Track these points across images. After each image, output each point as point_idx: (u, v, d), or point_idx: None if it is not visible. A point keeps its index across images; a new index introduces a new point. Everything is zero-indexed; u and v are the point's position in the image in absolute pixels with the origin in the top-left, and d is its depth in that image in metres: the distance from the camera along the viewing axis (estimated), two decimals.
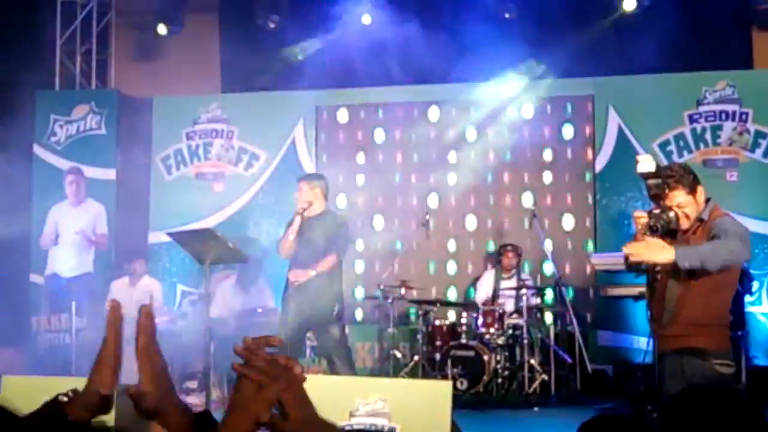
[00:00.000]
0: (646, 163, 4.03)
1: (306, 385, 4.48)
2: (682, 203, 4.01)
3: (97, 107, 10.02)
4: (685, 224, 4.03)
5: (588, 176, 9.61)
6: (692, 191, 4.02)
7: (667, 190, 3.99)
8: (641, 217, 4.06)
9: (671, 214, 3.97)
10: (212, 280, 7.91)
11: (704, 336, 3.91)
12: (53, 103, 10.22)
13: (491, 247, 9.71)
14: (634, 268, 4.24)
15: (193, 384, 8.04)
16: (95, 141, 9.96)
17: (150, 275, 9.09)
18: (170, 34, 10.15)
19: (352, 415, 4.36)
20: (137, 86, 10.37)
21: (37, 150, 10.05)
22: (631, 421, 2.09)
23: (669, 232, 4.03)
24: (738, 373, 7.16)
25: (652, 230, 3.95)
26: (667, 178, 4.01)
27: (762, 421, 2.06)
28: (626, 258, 4.21)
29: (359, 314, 9.80)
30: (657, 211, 3.99)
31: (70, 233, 9.41)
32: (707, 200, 4.09)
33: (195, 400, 7.52)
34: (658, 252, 3.83)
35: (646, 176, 4.03)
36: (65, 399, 1.67)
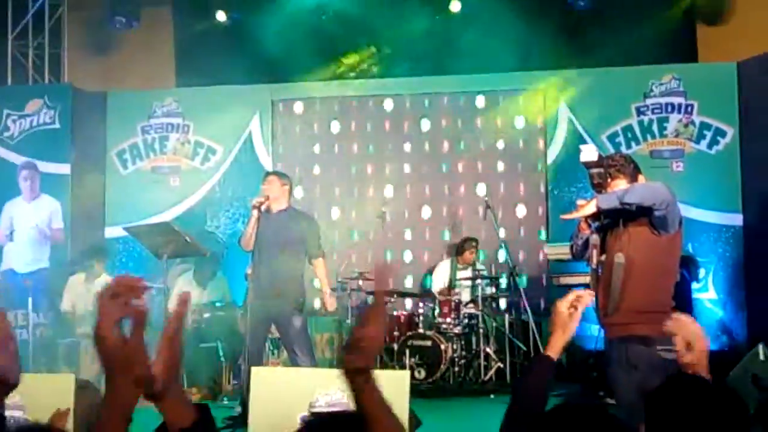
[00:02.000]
0: (588, 153, 4.16)
1: (268, 377, 4.56)
2: None
3: (51, 102, 9.93)
4: None
5: (540, 167, 9.81)
6: (633, 180, 4.16)
7: (609, 179, 4.12)
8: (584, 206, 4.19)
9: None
10: (170, 274, 7.95)
11: (647, 323, 4.04)
12: (6, 97, 10.10)
13: (446, 236, 9.87)
14: (579, 256, 4.38)
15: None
16: (49, 136, 9.88)
17: (107, 272, 9.07)
18: (124, 27, 10.10)
19: (311, 405, 4.47)
20: (91, 80, 10.29)
21: None
22: (591, 408, 2.12)
23: (611, 222, 4.17)
24: None
25: (595, 219, 4.09)
26: (609, 168, 4.14)
27: (745, 411, 2.12)
28: (571, 247, 4.36)
29: (317, 305, 9.88)
30: (597, 189, 4.13)
31: (25, 228, 9.35)
32: None
33: None
34: (583, 208, 3.99)
35: (589, 165, 4.15)
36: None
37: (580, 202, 4.26)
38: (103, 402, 1.54)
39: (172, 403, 1.61)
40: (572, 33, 9.30)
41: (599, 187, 4.15)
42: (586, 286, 7.67)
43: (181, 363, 1.65)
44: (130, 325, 1.56)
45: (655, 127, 9.43)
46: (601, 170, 4.11)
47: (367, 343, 1.64)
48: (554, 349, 2.44)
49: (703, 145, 9.31)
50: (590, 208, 3.96)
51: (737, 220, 9.10)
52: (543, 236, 9.64)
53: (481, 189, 9.79)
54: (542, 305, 9.46)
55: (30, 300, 8.46)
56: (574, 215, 4.04)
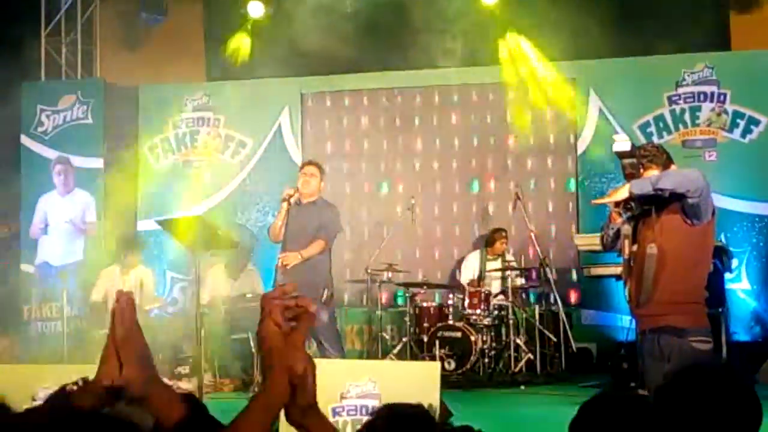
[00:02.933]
0: (621, 143, 4.14)
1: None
2: None
3: (84, 97, 10.06)
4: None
5: (570, 157, 9.75)
6: (666, 169, 4.13)
7: (641, 170, 4.09)
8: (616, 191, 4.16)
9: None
10: (201, 266, 8.01)
11: (680, 314, 4.02)
12: (39, 93, 10.25)
13: (476, 232, 9.84)
14: (609, 247, 4.35)
15: (184, 369, 8.14)
16: (82, 130, 10.00)
17: (141, 263, 9.17)
18: (155, 22, 10.19)
19: (343, 396, 4.51)
20: (123, 75, 10.39)
21: (25, 141, 10.09)
22: (631, 399, 2.11)
23: (643, 212, 4.15)
24: (718, 349, 7.34)
25: (626, 209, 4.07)
26: (642, 158, 4.11)
27: (755, 399, 2.11)
28: (602, 238, 4.33)
29: (347, 298, 9.92)
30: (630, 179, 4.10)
31: (59, 222, 9.48)
32: None
33: (187, 386, 7.63)
34: (616, 194, 3.97)
35: (622, 155, 4.13)
36: (74, 388, 1.67)
37: (612, 191, 4.23)
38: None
39: (158, 400, 1.58)
40: (603, 22, 9.22)
41: (631, 177, 4.13)
42: (617, 276, 7.68)
43: (150, 358, 1.61)
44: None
45: (687, 117, 9.33)
46: (634, 160, 4.09)
47: (306, 380, 1.60)
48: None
49: (736, 135, 9.20)
50: (623, 193, 3.94)
51: None
52: (573, 228, 9.58)
53: (512, 183, 9.71)
54: (573, 297, 9.43)
55: (64, 293, 8.57)
56: (606, 200, 4.02)
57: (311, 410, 1.61)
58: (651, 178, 3.94)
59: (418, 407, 1.93)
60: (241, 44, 9.96)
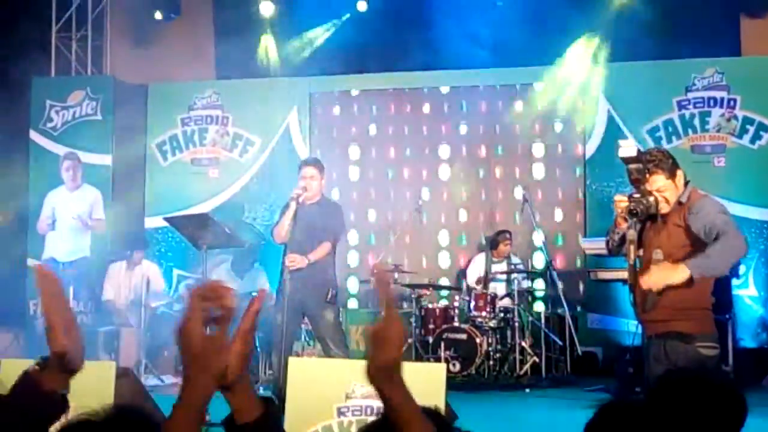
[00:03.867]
0: (627, 148, 4.11)
1: (305, 368, 4.61)
2: (662, 187, 4.09)
3: (93, 93, 10.08)
4: (665, 208, 4.11)
5: (578, 161, 9.73)
6: (672, 175, 4.11)
7: (647, 175, 4.07)
8: (621, 201, 4.14)
9: (651, 198, 4.05)
10: (208, 264, 8.03)
11: (687, 320, 4.00)
12: (49, 89, 10.27)
13: (483, 240, 9.81)
14: (615, 252, 4.33)
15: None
16: (91, 127, 10.02)
17: (147, 260, 9.19)
18: (166, 19, 10.21)
19: (348, 396, 4.50)
20: (133, 72, 10.41)
21: (34, 136, 10.11)
22: (648, 407, 2.13)
23: (649, 217, 4.12)
24: (725, 355, 7.32)
25: (632, 214, 4.04)
26: (647, 163, 4.09)
27: (742, 403, 2.13)
28: (607, 243, 4.32)
29: (353, 299, 9.92)
30: (637, 195, 4.07)
31: (66, 218, 9.49)
32: (686, 183, 4.18)
33: None
34: (672, 273, 3.85)
35: (628, 161, 4.11)
36: (37, 368, 1.69)
37: (618, 197, 4.21)
38: (178, 399, 1.57)
39: (241, 396, 1.63)
40: (614, 26, 9.20)
41: (637, 183, 4.11)
42: (623, 281, 7.66)
43: (251, 357, 1.67)
44: (216, 323, 1.57)
45: (696, 122, 9.30)
46: (640, 166, 4.07)
47: (387, 339, 1.64)
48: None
49: (745, 140, 9.17)
50: (681, 275, 3.85)
51: None
52: (581, 233, 9.56)
53: (519, 188, 9.65)
54: (579, 301, 9.41)
55: (70, 289, 8.58)
56: (661, 285, 3.86)
57: (389, 373, 1.62)
58: (711, 262, 3.87)
59: (433, 410, 1.93)
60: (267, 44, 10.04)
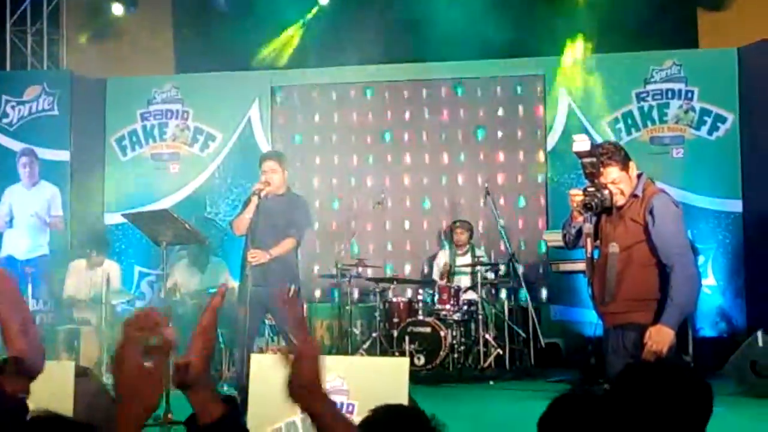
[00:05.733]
0: (581, 143, 4.15)
1: (267, 364, 4.59)
2: (617, 179, 4.14)
3: (50, 88, 9.91)
4: (620, 200, 4.17)
5: (540, 154, 9.79)
6: (625, 167, 4.16)
7: (601, 168, 4.12)
8: (576, 195, 4.18)
9: (605, 192, 4.10)
10: (169, 260, 7.95)
11: (644, 311, 4.05)
12: (4, 84, 10.07)
13: (445, 226, 9.86)
14: (571, 245, 4.36)
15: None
16: (48, 122, 9.86)
17: (108, 257, 9.08)
18: (124, 13, 10.07)
19: None
20: (90, 66, 10.25)
21: None
22: (600, 397, 2.14)
23: (604, 210, 4.17)
24: (685, 344, 7.43)
25: (587, 208, 4.08)
26: (601, 156, 4.14)
27: (707, 393, 2.15)
28: (564, 236, 4.35)
29: (317, 292, 9.90)
30: (592, 189, 4.11)
31: (24, 215, 9.35)
32: (639, 175, 4.23)
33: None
34: (663, 337, 3.96)
35: (582, 155, 4.15)
36: None
37: (573, 191, 4.25)
38: (114, 424, 1.55)
39: (203, 395, 1.62)
40: (573, 19, 9.25)
41: (591, 176, 4.16)
42: (584, 272, 7.73)
43: (212, 355, 1.66)
44: (153, 353, 1.55)
45: (655, 114, 9.41)
46: (594, 160, 4.11)
47: (303, 358, 1.63)
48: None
49: (703, 132, 9.29)
50: (669, 339, 3.96)
51: (737, 206, 9.10)
52: (542, 224, 9.64)
53: (481, 177, 9.76)
54: (542, 293, 9.49)
55: (29, 287, 8.45)
56: (663, 349, 3.96)
57: (311, 390, 1.65)
58: (681, 308, 4.03)
59: (415, 410, 1.96)
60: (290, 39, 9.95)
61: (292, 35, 10.04)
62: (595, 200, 4.07)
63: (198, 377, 1.60)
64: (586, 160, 4.12)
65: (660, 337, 3.96)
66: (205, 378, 1.63)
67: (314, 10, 9.92)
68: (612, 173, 4.13)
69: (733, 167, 9.13)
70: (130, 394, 1.54)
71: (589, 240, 4.10)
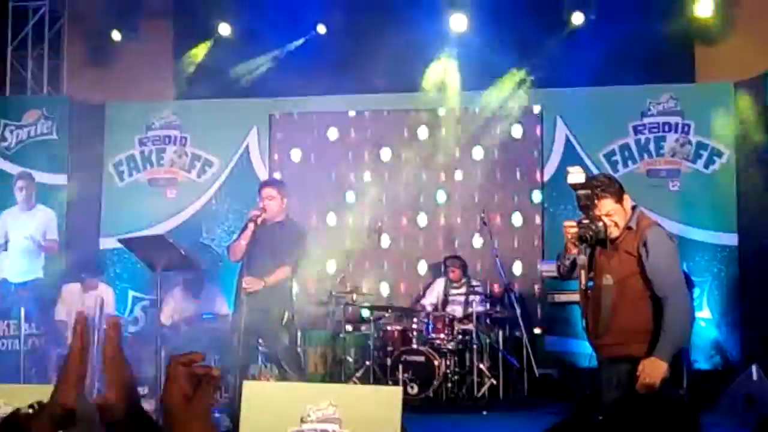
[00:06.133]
0: (576, 175, 4.18)
1: (259, 391, 4.57)
2: (611, 211, 4.16)
3: (49, 112, 9.94)
4: (614, 232, 4.18)
5: (536, 184, 9.79)
6: (619, 200, 4.18)
7: (596, 200, 4.14)
8: (571, 227, 4.19)
9: (599, 224, 4.11)
10: (163, 286, 7.94)
11: (638, 343, 4.05)
12: (4, 107, 10.11)
13: (442, 254, 9.81)
14: (566, 276, 4.37)
15: (144, 390, 8.03)
16: (46, 146, 9.87)
17: (102, 282, 9.05)
18: (124, 40, 10.13)
19: (303, 421, 4.44)
20: (90, 92, 10.29)
21: None
22: (595, 430, 2.14)
23: (598, 242, 4.18)
24: (679, 377, 7.39)
25: (582, 240, 4.09)
26: (596, 188, 4.16)
27: (694, 424, 2.16)
28: (558, 267, 4.36)
29: (311, 320, 9.84)
30: (586, 221, 4.12)
31: (19, 239, 9.33)
32: (633, 207, 4.25)
33: (146, 406, 7.49)
34: (656, 370, 4.00)
35: (576, 187, 4.17)
36: (29, 411, 1.64)
37: (567, 222, 4.26)
38: None
39: (136, 427, 1.57)
40: (570, 51, 9.32)
41: (586, 209, 4.17)
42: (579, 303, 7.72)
43: (135, 384, 1.62)
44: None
45: (652, 147, 9.45)
46: (588, 192, 4.14)
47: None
48: None
49: (699, 165, 9.33)
50: (662, 371, 4.03)
51: (732, 240, 9.11)
52: (538, 254, 9.62)
53: (478, 208, 9.72)
54: (536, 323, 9.46)
55: (22, 310, 8.43)
56: (653, 383, 4.00)
57: None
58: (674, 342, 4.06)
59: None
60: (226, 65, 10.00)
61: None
62: (590, 232, 4.08)
63: (124, 414, 1.55)
64: (581, 192, 4.14)
65: (653, 370, 3.96)
66: (133, 412, 1.58)
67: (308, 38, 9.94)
68: (606, 205, 4.14)
69: (728, 200, 9.15)
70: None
71: (583, 272, 4.11)
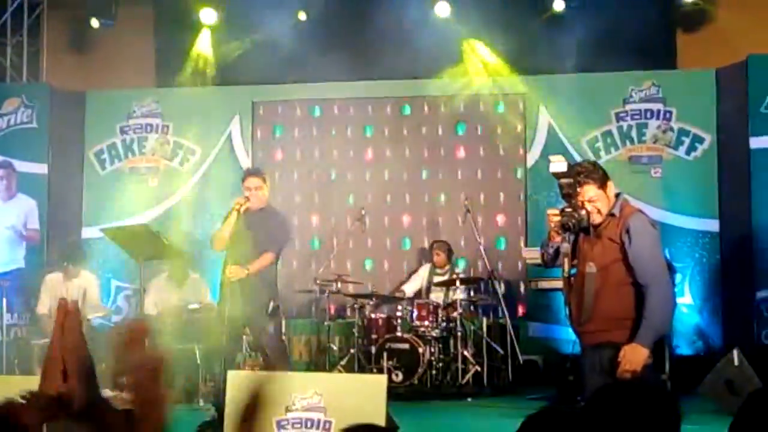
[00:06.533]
0: (558, 164, 4.20)
1: (243, 381, 4.57)
2: (594, 197, 4.18)
3: (29, 101, 9.85)
4: (597, 219, 4.21)
5: (519, 172, 9.83)
6: (602, 186, 4.20)
7: (578, 187, 4.17)
8: (554, 215, 4.21)
9: (582, 212, 4.14)
10: (147, 274, 7.91)
11: (621, 330, 4.07)
12: None
13: (426, 243, 9.85)
14: (549, 264, 4.39)
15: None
16: (26, 135, 9.79)
17: (85, 270, 9.00)
18: (103, 26, 10.04)
19: (288, 409, 4.46)
20: (70, 79, 10.21)
21: None
22: (575, 414, 2.16)
23: (581, 229, 4.20)
24: (662, 363, 7.44)
25: (565, 228, 4.12)
26: (578, 175, 4.19)
27: (676, 410, 2.18)
28: (542, 255, 4.38)
29: (296, 308, 9.85)
30: (569, 209, 4.15)
31: (0, 228, 9.27)
32: (617, 195, 4.27)
33: (129, 396, 7.50)
34: (640, 357, 4.02)
35: (559, 176, 4.20)
36: (22, 402, 1.63)
37: (550, 211, 4.28)
38: None
39: (100, 415, 1.57)
40: (553, 38, 9.33)
41: (568, 197, 4.20)
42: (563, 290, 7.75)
43: (95, 372, 1.60)
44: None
45: (634, 133, 9.48)
46: (571, 180, 4.16)
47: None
48: None
49: (681, 152, 9.37)
50: (642, 357, 4.03)
51: (714, 225, 9.17)
52: (522, 242, 9.66)
53: (461, 195, 9.74)
54: (520, 310, 9.50)
55: (4, 300, 8.38)
56: (633, 368, 4.02)
57: None
58: (655, 329, 4.07)
59: (391, 428, 1.94)
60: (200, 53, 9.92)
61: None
62: (572, 221, 4.11)
63: (86, 402, 1.54)
64: (563, 180, 4.16)
65: (634, 356, 3.99)
66: (95, 400, 1.57)
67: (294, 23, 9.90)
68: (589, 191, 4.16)
69: (710, 187, 9.20)
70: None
71: (566, 259, 4.14)
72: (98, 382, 1.63)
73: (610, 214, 4.18)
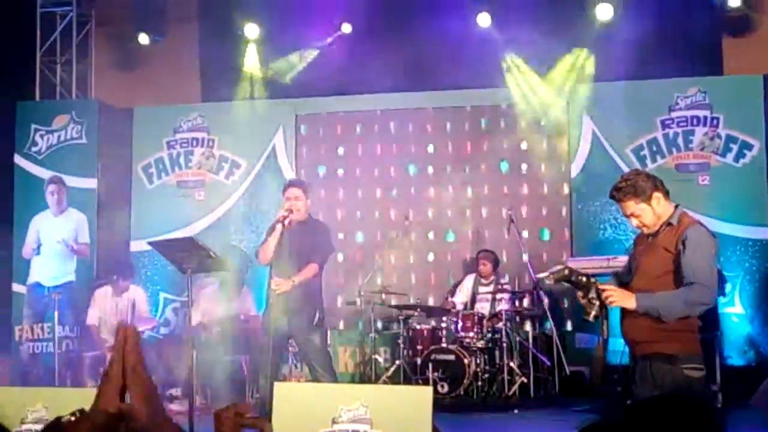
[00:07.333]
0: (551, 278, 4.23)
1: (291, 392, 4.59)
2: (635, 212, 4.14)
3: (78, 117, 10.06)
4: (646, 231, 4.19)
5: (564, 180, 9.74)
6: (646, 198, 4.13)
7: (619, 203, 4.19)
8: (579, 297, 4.23)
9: (593, 312, 4.16)
10: (194, 287, 7.99)
11: (672, 341, 4.01)
12: (34, 113, 10.24)
13: (469, 256, 9.80)
14: (561, 281, 4.32)
15: (176, 391, 8.11)
16: (76, 150, 9.99)
17: (133, 284, 9.14)
18: (151, 43, 10.22)
19: (334, 421, 4.46)
20: (118, 95, 10.40)
21: (18, 160, 10.07)
22: (630, 427, 2.13)
23: (638, 236, 4.19)
24: (713, 374, 7.33)
25: (567, 282, 4.16)
26: (617, 191, 4.17)
27: (717, 424, 2.13)
28: (554, 273, 4.34)
29: (342, 321, 9.89)
30: (584, 301, 4.17)
31: (51, 242, 9.44)
32: (676, 206, 4.21)
33: (178, 407, 7.60)
34: (624, 301, 4.05)
35: (563, 281, 4.20)
36: (71, 418, 1.65)
37: (557, 269, 4.24)
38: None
39: None
40: (597, 46, 9.26)
41: (582, 291, 4.19)
42: None
43: (157, 391, 1.63)
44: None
45: (680, 141, 9.36)
46: (571, 283, 4.18)
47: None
48: None
49: (729, 159, 9.23)
50: (630, 302, 4.03)
51: (764, 233, 9.01)
52: (567, 253, 9.57)
53: (505, 209, 9.62)
54: (566, 321, 9.41)
55: (56, 313, 8.53)
56: (619, 303, 4.06)
57: None
58: (658, 302, 4.01)
59: None
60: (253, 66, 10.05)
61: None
62: (591, 311, 4.16)
63: (148, 421, 1.56)
64: (566, 284, 4.21)
65: (622, 299, 4.03)
66: (157, 419, 1.58)
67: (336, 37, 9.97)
68: (629, 207, 4.15)
69: (759, 194, 9.05)
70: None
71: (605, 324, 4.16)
72: (161, 402, 1.66)
73: (668, 224, 4.12)
